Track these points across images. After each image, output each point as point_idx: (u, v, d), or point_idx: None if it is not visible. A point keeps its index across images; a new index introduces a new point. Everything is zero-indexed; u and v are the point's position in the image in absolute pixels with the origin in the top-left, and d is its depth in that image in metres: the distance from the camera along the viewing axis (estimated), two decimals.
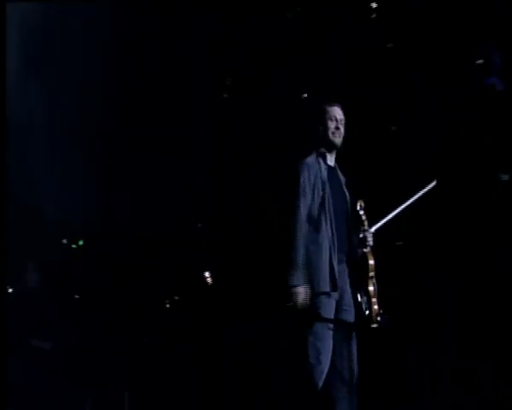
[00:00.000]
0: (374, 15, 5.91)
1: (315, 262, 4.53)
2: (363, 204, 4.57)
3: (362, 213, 4.57)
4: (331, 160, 4.72)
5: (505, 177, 4.23)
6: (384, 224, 4.55)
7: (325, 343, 4.48)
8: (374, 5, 5.91)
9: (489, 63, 4.04)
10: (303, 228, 4.53)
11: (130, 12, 5.99)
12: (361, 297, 4.53)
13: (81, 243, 5.87)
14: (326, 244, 4.52)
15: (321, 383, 4.43)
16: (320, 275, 4.52)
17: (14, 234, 4.66)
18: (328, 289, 4.50)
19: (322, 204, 4.57)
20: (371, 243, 4.50)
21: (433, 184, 4.60)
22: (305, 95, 6.20)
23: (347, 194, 4.73)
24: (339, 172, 4.77)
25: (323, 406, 4.44)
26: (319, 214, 4.56)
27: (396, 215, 4.56)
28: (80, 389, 5.28)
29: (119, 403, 5.29)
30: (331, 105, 4.70)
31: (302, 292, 4.46)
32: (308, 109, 5.16)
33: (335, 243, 4.53)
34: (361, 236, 4.52)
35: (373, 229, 4.55)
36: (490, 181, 4.82)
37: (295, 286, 4.44)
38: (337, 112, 4.69)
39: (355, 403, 4.49)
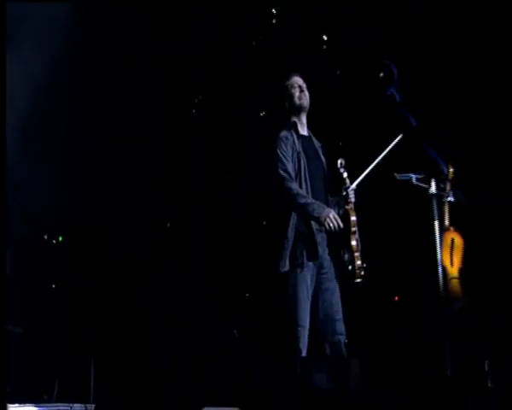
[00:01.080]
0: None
1: (293, 232, 4.56)
2: (343, 162, 4.60)
3: (342, 170, 4.60)
4: (303, 129, 4.79)
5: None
6: (363, 178, 4.55)
7: (306, 316, 4.52)
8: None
9: (390, 76, 4.38)
10: (295, 185, 4.55)
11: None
12: (343, 254, 4.54)
13: (60, 238, 5.96)
14: (299, 217, 4.55)
15: (304, 348, 4.48)
16: (298, 246, 4.55)
17: None
18: (308, 259, 4.54)
19: (298, 175, 4.62)
20: (353, 199, 4.53)
21: (400, 137, 4.62)
22: None
23: (324, 160, 4.77)
24: (313, 139, 4.83)
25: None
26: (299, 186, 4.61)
27: (373, 169, 4.58)
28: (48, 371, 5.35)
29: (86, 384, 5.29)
30: (290, 77, 4.82)
31: (330, 211, 4.46)
32: (273, 93, 5.23)
33: None
34: (343, 193, 4.55)
35: (354, 185, 4.56)
36: None
37: (321, 214, 4.43)
38: (297, 80, 4.80)
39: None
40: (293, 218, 4.57)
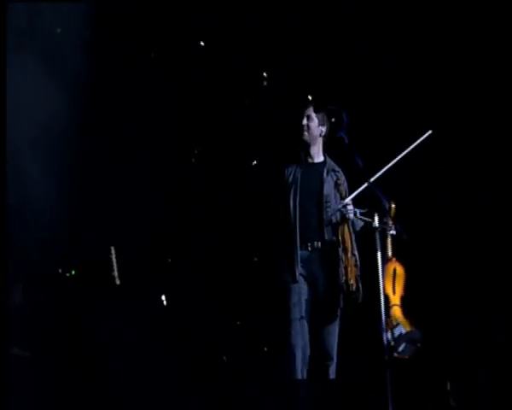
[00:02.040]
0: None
1: (280, 253, 4.82)
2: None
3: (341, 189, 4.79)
4: (313, 157, 4.93)
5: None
6: (357, 194, 4.69)
7: (302, 330, 4.65)
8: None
9: (340, 121, 4.69)
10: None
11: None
12: (339, 269, 4.68)
13: (73, 272, 6.01)
14: (289, 237, 4.76)
15: (302, 375, 4.62)
16: (284, 265, 4.78)
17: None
18: (289, 278, 4.72)
19: (288, 198, 4.83)
20: (351, 214, 4.65)
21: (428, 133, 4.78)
22: None
23: (325, 184, 4.85)
24: (327, 164, 4.93)
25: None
26: (287, 207, 4.81)
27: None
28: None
29: None
30: (304, 106, 4.97)
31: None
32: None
33: (300, 234, 4.74)
34: (340, 206, 4.69)
35: (348, 199, 4.68)
36: None
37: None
38: (306, 111, 4.92)
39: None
40: (279, 238, 4.82)
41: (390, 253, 5.00)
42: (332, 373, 4.79)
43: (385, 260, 4.73)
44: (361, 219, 4.66)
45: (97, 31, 5.92)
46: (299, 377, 4.63)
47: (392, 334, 4.80)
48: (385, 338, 4.55)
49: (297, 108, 5.05)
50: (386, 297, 4.87)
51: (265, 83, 6.52)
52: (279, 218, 4.85)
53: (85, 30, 5.84)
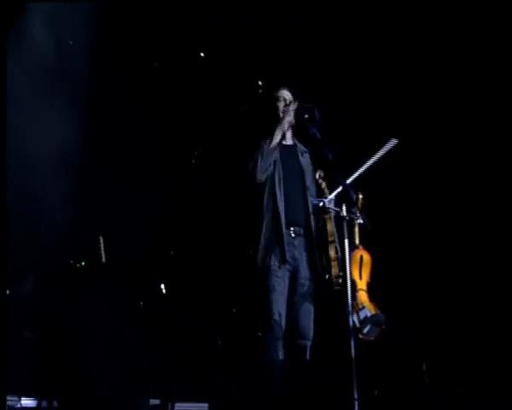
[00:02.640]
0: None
1: (266, 237, 4.75)
2: (322, 174, 4.89)
3: (321, 181, 4.86)
4: (287, 139, 4.96)
5: None
6: (341, 191, 4.76)
7: (281, 312, 4.67)
8: None
9: (312, 117, 4.80)
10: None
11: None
12: (321, 261, 4.77)
13: (83, 263, 6.19)
14: (274, 221, 4.72)
15: (281, 355, 4.64)
16: (270, 249, 4.73)
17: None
18: (277, 262, 4.70)
19: (272, 181, 4.79)
20: (332, 209, 4.74)
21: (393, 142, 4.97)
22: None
23: (304, 167, 4.90)
24: (298, 147, 4.99)
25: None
26: (272, 192, 4.78)
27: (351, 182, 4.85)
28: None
29: None
30: (278, 89, 4.99)
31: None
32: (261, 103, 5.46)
33: (287, 218, 4.72)
34: (321, 204, 4.74)
35: (332, 195, 4.76)
36: None
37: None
38: (285, 93, 4.99)
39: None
40: (266, 222, 4.76)
41: (357, 241, 5.36)
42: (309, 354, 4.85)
43: (352, 247, 5.00)
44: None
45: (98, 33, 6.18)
46: (278, 358, 4.70)
47: (358, 316, 5.11)
48: (351, 320, 4.69)
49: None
50: (353, 282, 5.20)
51: (261, 90, 6.71)
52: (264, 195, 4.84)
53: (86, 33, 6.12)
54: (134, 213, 6.28)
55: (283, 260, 4.70)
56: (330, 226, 4.77)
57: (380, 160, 4.97)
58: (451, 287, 6.01)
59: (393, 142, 4.99)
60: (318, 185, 4.89)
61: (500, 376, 5.41)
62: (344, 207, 4.83)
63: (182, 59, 6.76)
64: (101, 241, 5.84)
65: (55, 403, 5.31)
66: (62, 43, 6.10)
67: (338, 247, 4.76)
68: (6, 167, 4.41)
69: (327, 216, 4.78)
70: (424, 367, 5.53)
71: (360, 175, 4.93)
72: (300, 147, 5.03)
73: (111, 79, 6.31)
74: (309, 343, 4.79)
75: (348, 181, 4.84)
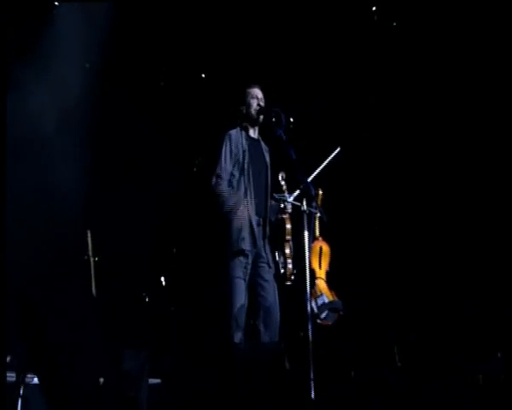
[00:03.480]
0: None
1: (235, 223, 4.92)
2: (284, 175, 5.17)
3: (283, 183, 5.14)
4: (254, 133, 5.17)
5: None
6: (299, 193, 5.01)
7: (241, 297, 4.85)
8: None
9: (279, 121, 5.01)
10: (225, 188, 4.96)
11: None
12: (278, 257, 5.07)
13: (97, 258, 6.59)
14: (244, 207, 4.91)
15: (240, 339, 4.81)
16: (239, 235, 4.89)
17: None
18: (248, 247, 4.89)
19: (242, 171, 4.97)
20: (290, 210, 5.02)
21: (338, 150, 5.34)
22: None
23: (268, 163, 5.12)
24: (262, 143, 5.21)
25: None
26: (239, 181, 4.97)
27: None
28: None
29: None
30: (251, 87, 5.21)
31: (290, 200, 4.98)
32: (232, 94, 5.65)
33: (253, 207, 4.94)
34: (282, 205, 5.03)
35: (291, 198, 5.02)
36: None
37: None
38: (257, 92, 5.19)
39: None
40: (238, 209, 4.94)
41: (318, 233, 5.71)
42: (276, 336, 5.02)
43: (311, 239, 5.18)
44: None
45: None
46: (237, 341, 4.85)
47: (316, 303, 5.45)
48: (309, 306, 4.85)
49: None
50: (313, 271, 5.55)
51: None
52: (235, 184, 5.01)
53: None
54: (140, 214, 6.72)
55: (254, 245, 4.93)
56: (288, 226, 5.03)
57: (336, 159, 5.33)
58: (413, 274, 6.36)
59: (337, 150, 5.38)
60: (280, 186, 5.14)
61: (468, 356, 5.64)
62: (304, 202, 5.04)
63: (184, 77, 7.24)
64: (89, 235, 6.10)
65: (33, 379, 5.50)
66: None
67: (292, 246, 5.01)
68: (6, 167, 4.55)
69: (285, 216, 5.03)
70: (396, 350, 5.83)
71: (320, 173, 5.28)
72: (264, 145, 5.26)
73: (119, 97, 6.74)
74: (277, 325, 4.98)
75: (309, 179, 5.15)
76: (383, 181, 6.68)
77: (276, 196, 5.14)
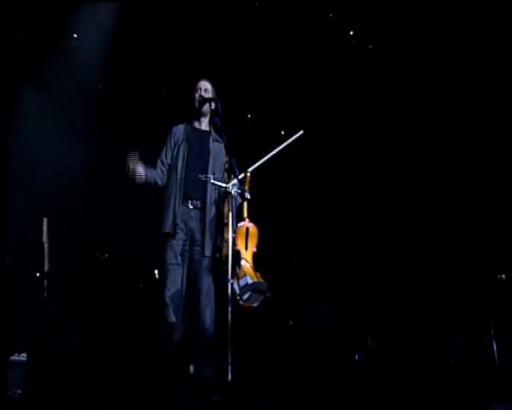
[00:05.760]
0: None
1: (163, 206, 5.30)
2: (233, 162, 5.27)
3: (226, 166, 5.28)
4: (200, 124, 5.49)
5: None
6: (241, 178, 5.27)
7: (175, 278, 5.14)
8: None
9: (216, 108, 5.35)
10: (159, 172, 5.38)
11: None
12: (220, 242, 5.25)
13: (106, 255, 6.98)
14: (172, 192, 5.25)
15: (174, 318, 5.06)
16: (164, 217, 5.26)
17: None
18: (170, 230, 5.21)
19: (176, 156, 5.34)
20: (234, 193, 5.19)
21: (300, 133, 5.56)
22: None
23: (214, 153, 5.42)
24: (212, 135, 5.49)
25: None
26: (175, 167, 5.32)
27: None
28: None
29: None
30: (198, 80, 5.47)
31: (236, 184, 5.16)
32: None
33: (183, 192, 5.26)
34: (226, 189, 5.20)
35: (234, 181, 5.21)
36: None
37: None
38: (202, 84, 5.44)
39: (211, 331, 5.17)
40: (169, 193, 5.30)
41: (245, 214, 5.67)
42: (210, 317, 5.28)
43: (234, 219, 5.32)
44: (214, 183, 5.31)
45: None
46: (173, 320, 5.11)
47: (238, 284, 5.43)
48: (230, 287, 5.02)
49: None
50: (238, 252, 5.52)
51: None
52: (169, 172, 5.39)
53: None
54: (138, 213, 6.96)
55: (173, 230, 5.22)
56: (227, 210, 5.17)
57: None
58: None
59: (300, 132, 5.58)
60: (230, 170, 5.27)
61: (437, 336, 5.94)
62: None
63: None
64: (45, 222, 6.20)
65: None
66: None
67: (231, 230, 5.15)
68: (6, 167, 4.73)
69: (227, 200, 5.19)
70: (368, 333, 6.00)
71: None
72: (215, 135, 5.50)
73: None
74: (211, 307, 5.23)
75: (253, 167, 5.48)
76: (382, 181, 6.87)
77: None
